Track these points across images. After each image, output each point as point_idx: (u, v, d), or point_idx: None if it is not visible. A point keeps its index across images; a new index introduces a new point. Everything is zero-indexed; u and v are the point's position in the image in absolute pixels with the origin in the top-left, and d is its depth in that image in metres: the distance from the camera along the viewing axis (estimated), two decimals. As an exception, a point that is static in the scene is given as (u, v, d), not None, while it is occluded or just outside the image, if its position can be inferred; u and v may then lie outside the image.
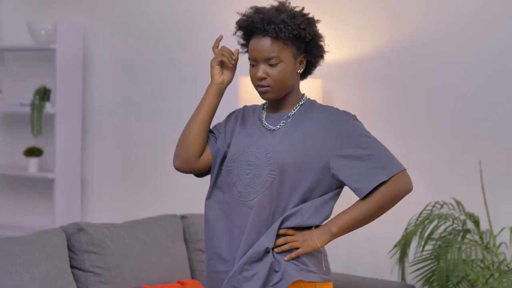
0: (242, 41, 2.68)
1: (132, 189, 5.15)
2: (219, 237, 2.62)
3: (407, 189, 2.59)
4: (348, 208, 2.57)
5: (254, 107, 2.76)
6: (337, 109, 2.63)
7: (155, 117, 5.07)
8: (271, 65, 2.58)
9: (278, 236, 2.55)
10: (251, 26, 2.59)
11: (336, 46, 4.39)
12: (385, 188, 2.53)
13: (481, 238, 3.94)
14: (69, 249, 3.40)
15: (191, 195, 4.84)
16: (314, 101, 2.69)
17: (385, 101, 4.32)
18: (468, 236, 4.00)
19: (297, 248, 2.54)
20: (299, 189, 2.55)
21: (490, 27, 4.07)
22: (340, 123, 2.56)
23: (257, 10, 2.62)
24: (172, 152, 5.12)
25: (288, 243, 2.54)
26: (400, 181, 2.56)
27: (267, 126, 2.64)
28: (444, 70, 4.18)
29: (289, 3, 2.65)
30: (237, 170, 2.59)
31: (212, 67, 2.69)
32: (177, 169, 2.72)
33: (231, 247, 2.59)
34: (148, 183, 5.09)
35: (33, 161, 5.25)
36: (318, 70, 4.37)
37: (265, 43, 2.57)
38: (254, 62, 2.60)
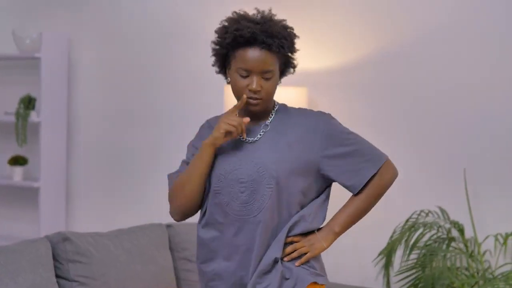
0: (222, 49, 2.62)
1: (117, 198, 5.14)
2: (218, 257, 2.63)
3: (395, 175, 2.70)
4: (345, 206, 2.66)
5: (218, 120, 2.72)
6: (312, 111, 2.68)
7: (140, 126, 5.06)
8: (266, 78, 2.56)
9: (285, 244, 2.58)
10: (251, 37, 2.54)
11: (321, 55, 4.41)
12: (376, 180, 2.64)
13: (466, 246, 3.95)
14: (54, 258, 3.38)
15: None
16: (285, 105, 2.71)
17: (370, 110, 4.33)
18: (453, 244, 4.01)
19: (305, 254, 2.60)
20: (296, 195, 2.58)
21: (474, 36, 4.09)
22: (321, 125, 2.61)
23: (252, 20, 2.59)
24: (158, 160, 5.11)
25: (297, 250, 2.59)
26: (387, 170, 2.66)
27: (245, 139, 2.62)
28: (428, 78, 4.19)
29: (273, 14, 2.64)
30: (228, 189, 2.58)
31: (220, 134, 2.56)
32: (177, 221, 2.74)
33: (234, 266, 2.59)
34: (133, 192, 5.08)
35: (17, 170, 5.24)
36: (303, 79, 4.40)
37: (263, 56, 2.54)
38: (246, 73, 2.56)
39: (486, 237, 3.98)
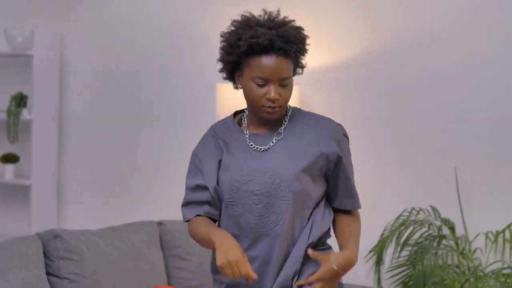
0: (234, 56, 2.47)
1: (109, 196, 5.14)
2: None
3: None
4: (352, 227, 2.59)
5: (224, 125, 2.62)
6: (329, 118, 2.58)
7: (132, 124, 5.06)
8: (283, 85, 2.45)
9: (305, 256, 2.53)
10: (268, 45, 2.41)
11: (313, 53, 4.41)
12: (358, 217, 2.65)
13: (456, 243, 3.96)
14: (45, 255, 3.38)
15: (168, 201, 4.84)
16: (299, 110, 2.61)
17: (362, 108, 4.34)
18: (443, 242, 4.02)
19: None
20: (310, 204, 2.52)
21: (467, 35, 4.09)
22: (336, 134, 2.54)
23: (265, 25, 2.44)
24: (149, 158, 5.10)
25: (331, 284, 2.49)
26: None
27: (256, 147, 2.53)
28: (421, 77, 4.20)
29: (286, 17, 2.52)
30: (242, 201, 2.49)
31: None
32: None
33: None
34: (125, 189, 5.08)
35: (9, 168, 5.23)
36: (296, 77, 4.39)
37: (280, 63, 2.43)
38: (263, 82, 2.44)
39: (477, 235, 3.99)
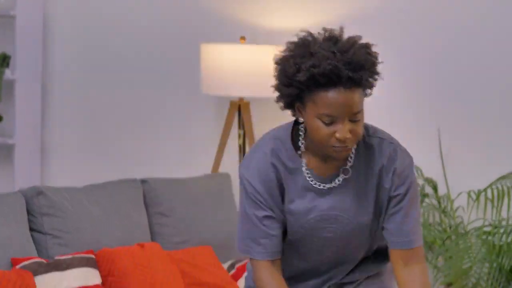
0: (293, 89, 2.07)
1: (93, 154, 5.13)
2: None
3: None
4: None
5: (281, 148, 2.20)
6: (399, 150, 2.26)
7: (115, 83, 5.04)
8: (355, 120, 2.07)
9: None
10: (332, 74, 2.01)
11: (300, 14, 4.41)
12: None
13: (439, 202, 4.00)
14: (29, 212, 3.38)
15: (151, 159, 4.84)
16: (363, 137, 2.19)
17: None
18: (426, 200, 4.05)
19: None
20: (381, 237, 2.28)
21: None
22: (405, 172, 2.21)
23: (329, 49, 2.04)
24: (133, 115, 5.07)
25: None
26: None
27: (319, 185, 2.18)
28: (404, 37, 4.21)
29: (355, 37, 2.15)
30: (309, 245, 2.25)
31: None
32: None
33: None
34: (108, 148, 5.07)
35: (-8, 127, 5.21)
36: (280, 38, 4.39)
37: (351, 96, 2.04)
38: (331, 119, 2.05)
39: (459, 194, 4.02)
